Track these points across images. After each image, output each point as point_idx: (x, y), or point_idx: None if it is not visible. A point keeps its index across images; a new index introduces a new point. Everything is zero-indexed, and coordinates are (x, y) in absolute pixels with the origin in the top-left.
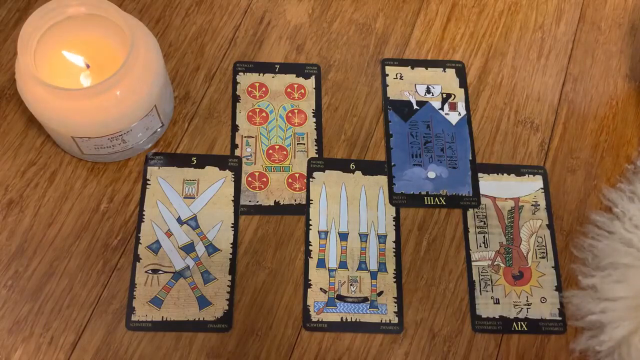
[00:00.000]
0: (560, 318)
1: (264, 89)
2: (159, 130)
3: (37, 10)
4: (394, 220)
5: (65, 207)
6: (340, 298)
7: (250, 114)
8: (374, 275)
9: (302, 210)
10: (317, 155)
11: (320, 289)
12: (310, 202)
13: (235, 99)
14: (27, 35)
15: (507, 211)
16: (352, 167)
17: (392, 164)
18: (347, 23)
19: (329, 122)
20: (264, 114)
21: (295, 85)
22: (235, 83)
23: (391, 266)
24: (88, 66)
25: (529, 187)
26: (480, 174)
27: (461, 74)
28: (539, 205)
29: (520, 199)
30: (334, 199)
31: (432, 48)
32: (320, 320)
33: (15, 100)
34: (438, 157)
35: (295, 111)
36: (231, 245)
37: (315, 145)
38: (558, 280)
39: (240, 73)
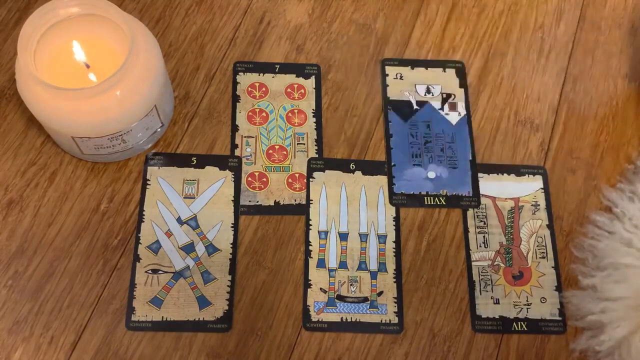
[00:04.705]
0: (560, 318)
1: (264, 89)
2: (159, 130)
3: (37, 10)
4: (394, 220)
5: (65, 207)
6: (340, 298)
7: (250, 114)
8: (374, 275)
9: (302, 210)
10: (317, 155)
11: (320, 289)
12: (310, 202)
13: (235, 99)
14: (27, 35)
15: (507, 211)
16: (352, 167)
17: (392, 164)
18: (347, 23)
19: (329, 122)
20: (264, 114)
21: (295, 85)
22: (235, 83)
23: (391, 266)
24: (88, 66)
25: (529, 187)
26: (480, 174)
27: (461, 74)
28: (539, 205)
29: (520, 199)
30: (334, 199)
31: (432, 48)
32: (320, 320)
33: (15, 100)
34: (438, 157)
35: (295, 111)
36: (231, 245)
37: (315, 145)
38: (558, 280)
39: (240, 73)
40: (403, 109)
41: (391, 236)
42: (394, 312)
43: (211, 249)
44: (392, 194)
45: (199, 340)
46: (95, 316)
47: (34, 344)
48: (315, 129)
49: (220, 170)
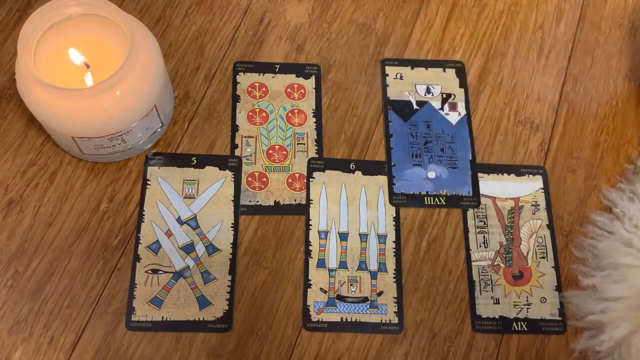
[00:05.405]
0: (560, 318)
1: (264, 89)
2: (159, 130)
3: (37, 10)
4: (394, 220)
5: (65, 207)
6: (340, 298)
7: (250, 114)
8: (374, 275)
9: (302, 210)
10: (317, 155)
11: (320, 289)
12: (310, 202)
13: (235, 99)
14: (27, 35)
15: (507, 211)
16: (352, 167)
17: (392, 164)
18: (347, 23)
19: (329, 122)
20: (264, 114)
21: (295, 85)
22: (235, 83)
23: (391, 266)
24: (88, 66)
25: (529, 187)
26: (480, 174)
27: (461, 74)
28: (539, 205)
29: (520, 199)
30: (334, 199)
31: (432, 48)
32: (320, 320)
33: (15, 100)
34: (438, 157)
35: (295, 111)
36: (231, 245)
37: (315, 145)
38: (558, 280)
39: (240, 73)
40: (403, 109)
41: (391, 236)
42: (394, 312)
43: (211, 249)
44: (392, 194)
45: (199, 340)
46: (95, 316)
47: (34, 344)
48: (315, 129)
49: (220, 170)
